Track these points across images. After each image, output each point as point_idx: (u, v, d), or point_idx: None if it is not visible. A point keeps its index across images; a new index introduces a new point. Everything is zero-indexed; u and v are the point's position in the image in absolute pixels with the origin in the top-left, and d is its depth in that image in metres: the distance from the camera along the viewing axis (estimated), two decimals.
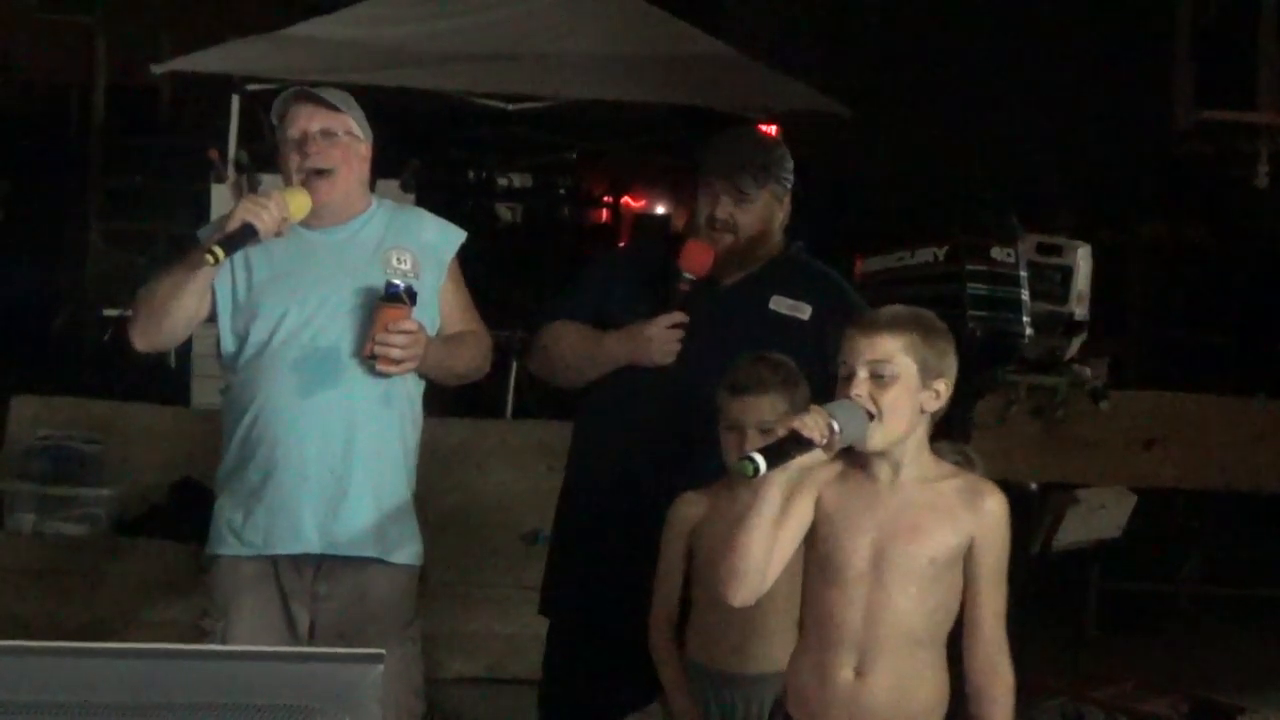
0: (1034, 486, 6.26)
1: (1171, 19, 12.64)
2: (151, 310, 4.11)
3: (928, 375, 3.40)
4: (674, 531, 4.16)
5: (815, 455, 3.31)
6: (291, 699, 2.24)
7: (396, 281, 4.05)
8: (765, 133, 6.78)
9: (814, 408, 3.33)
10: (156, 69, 10.42)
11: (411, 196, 9.64)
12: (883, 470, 3.44)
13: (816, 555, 3.46)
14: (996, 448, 6.31)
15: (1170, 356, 12.26)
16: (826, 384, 4.09)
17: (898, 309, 3.49)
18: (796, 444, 3.27)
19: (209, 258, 3.93)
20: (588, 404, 4.57)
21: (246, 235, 3.99)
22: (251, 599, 4.16)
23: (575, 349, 4.48)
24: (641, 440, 4.37)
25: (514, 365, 8.97)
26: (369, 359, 4.06)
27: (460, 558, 6.94)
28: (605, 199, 14.93)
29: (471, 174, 13.96)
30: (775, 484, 3.33)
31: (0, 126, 19.40)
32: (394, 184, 9.69)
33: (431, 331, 4.21)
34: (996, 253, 5.71)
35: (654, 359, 4.35)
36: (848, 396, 3.36)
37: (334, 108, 4.17)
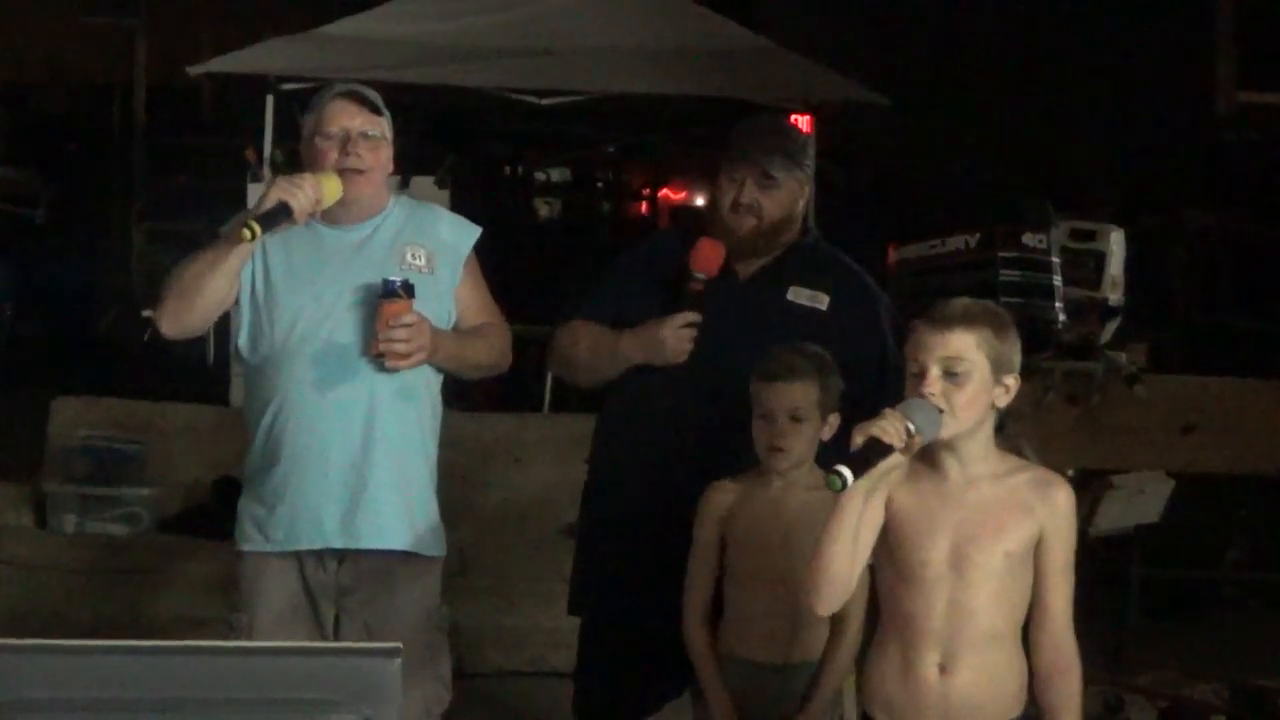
0: (1071, 473, 6.23)
1: (1214, 2, 12.58)
2: (183, 290, 4.13)
3: (1000, 371, 3.38)
4: (706, 521, 4.17)
5: (895, 459, 3.29)
6: (312, 693, 2.26)
7: (393, 277, 4.09)
8: (791, 120, 6.77)
9: (888, 411, 3.29)
10: (193, 71, 10.47)
11: (446, 194, 9.66)
12: (952, 468, 3.43)
13: (894, 557, 3.46)
14: (1032, 435, 6.29)
15: (1214, 342, 12.18)
16: (848, 374, 4.11)
17: (967, 303, 3.44)
18: (877, 451, 3.24)
19: (245, 233, 3.97)
20: (611, 400, 4.58)
21: (281, 214, 4.03)
22: (276, 594, 4.20)
23: (591, 349, 4.50)
24: (666, 434, 4.38)
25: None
26: (377, 357, 4.10)
27: (501, 552, 6.96)
28: (644, 192, 14.94)
29: (509, 169, 13.98)
30: (858, 493, 3.31)
31: (44, 129, 19.56)
32: (428, 180, 9.72)
33: (447, 325, 4.25)
34: (1029, 239, 5.70)
35: (667, 359, 4.36)
36: (919, 394, 3.33)
37: (376, 110, 4.24)
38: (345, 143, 4.18)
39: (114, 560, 6.78)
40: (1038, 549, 3.42)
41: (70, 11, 18.52)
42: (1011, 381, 3.41)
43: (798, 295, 4.42)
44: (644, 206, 14.97)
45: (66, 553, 6.85)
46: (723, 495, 4.15)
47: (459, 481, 7.21)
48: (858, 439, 3.26)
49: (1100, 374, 6.65)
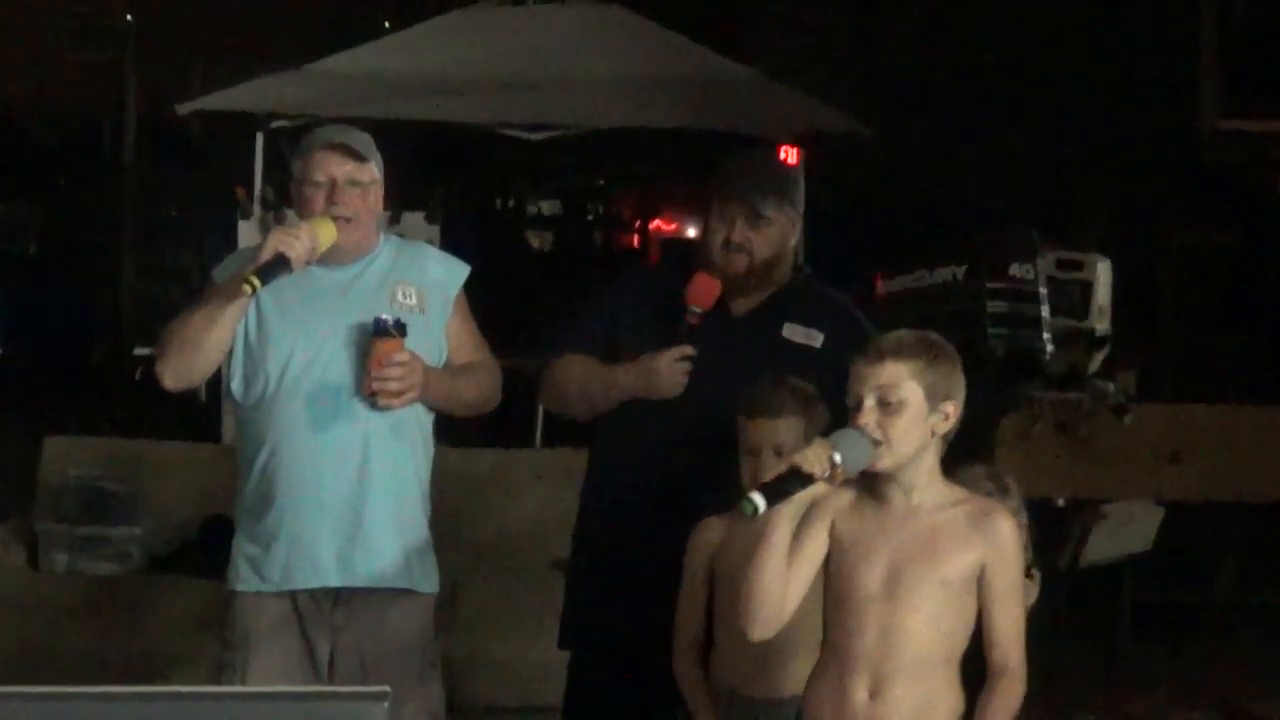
0: (1061, 502, 6.26)
1: (1197, 27, 12.62)
2: (184, 345, 4.19)
3: (935, 398, 3.45)
4: (696, 557, 4.19)
5: (820, 487, 3.34)
6: None
7: (384, 316, 4.14)
8: (780, 157, 6.80)
9: (816, 440, 3.38)
10: (181, 109, 10.51)
11: (436, 228, 9.70)
12: (895, 495, 3.49)
13: (832, 581, 3.51)
14: (1022, 465, 6.28)
15: (1202, 364, 12.22)
16: (841, 411, 4.12)
17: (902, 334, 3.52)
18: (797, 479, 3.30)
19: (246, 288, 4.04)
20: (604, 434, 4.60)
21: (279, 265, 4.08)
22: (271, 633, 4.23)
23: (585, 383, 4.52)
24: (658, 470, 4.40)
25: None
26: (370, 396, 4.14)
27: (491, 585, 6.97)
28: (635, 223, 14.98)
29: (499, 201, 14.03)
30: (782, 519, 3.37)
31: (34, 160, 19.58)
32: (419, 216, 9.76)
33: (439, 363, 4.30)
34: (1015, 269, 5.71)
35: (662, 392, 4.37)
36: (856, 426, 3.39)
37: (361, 157, 4.28)
38: (332, 191, 4.23)
39: (105, 599, 6.79)
40: (981, 578, 3.46)
41: (59, 45, 18.54)
42: (951, 408, 3.47)
43: (792, 333, 4.44)
44: (635, 238, 15.01)
45: (58, 592, 6.86)
46: (711, 534, 4.17)
47: (449, 515, 7.19)
48: (781, 466, 3.31)
49: (1088, 404, 6.67)
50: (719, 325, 4.42)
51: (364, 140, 4.33)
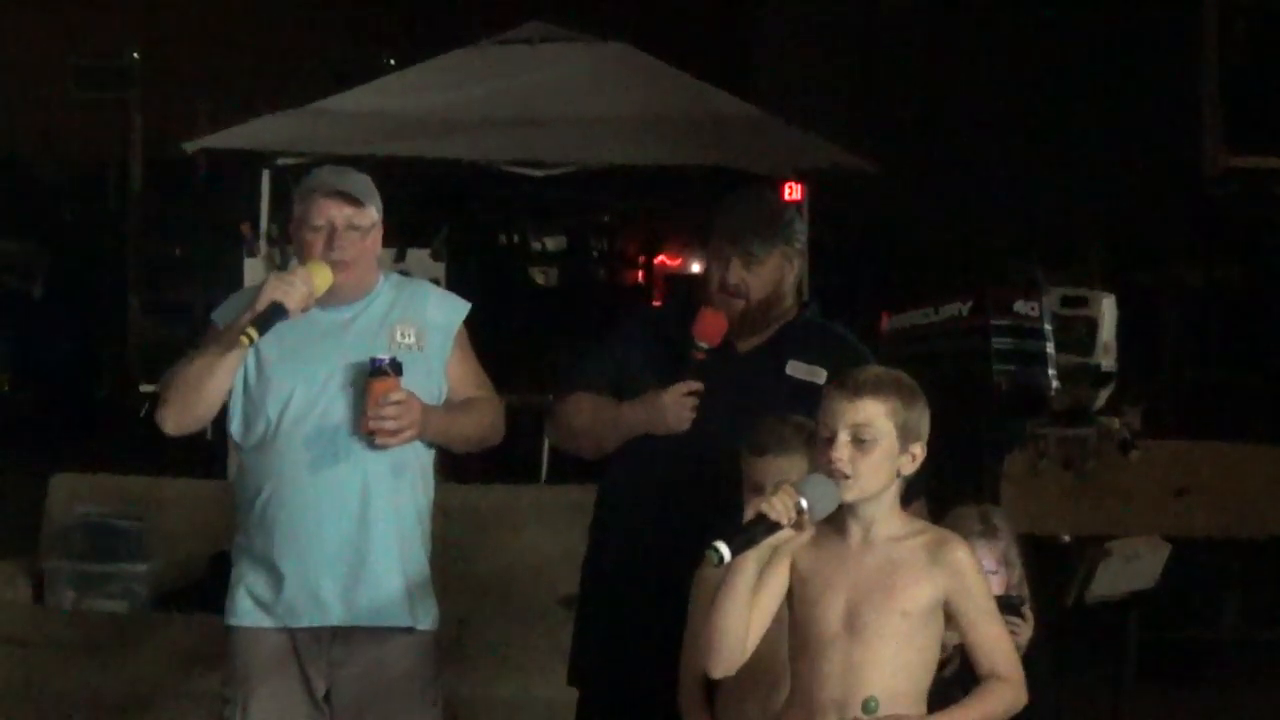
0: (1066, 538, 6.26)
1: (1200, 63, 12.65)
2: (185, 394, 4.23)
3: (907, 439, 3.49)
4: (702, 595, 4.18)
5: (785, 534, 3.38)
6: None
7: (380, 355, 4.17)
8: (774, 195, 6.83)
9: (784, 487, 3.40)
10: (188, 146, 10.55)
11: (442, 266, 9.72)
12: (855, 530, 3.52)
13: (794, 618, 3.54)
14: (1027, 501, 6.31)
15: (1207, 400, 12.21)
16: None
17: (878, 371, 3.56)
18: (764, 527, 3.33)
19: (244, 339, 4.09)
20: (610, 472, 4.61)
21: (277, 314, 4.13)
22: (271, 669, 4.27)
23: (592, 420, 4.54)
24: (664, 507, 4.41)
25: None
26: (368, 435, 4.16)
27: (496, 622, 6.95)
28: (639, 259, 15.01)
29: (504, 238, 14.06)
30: (749, 562, 3.40)
31: (40, 200, 19.62)
32: (424, 253, 9.78)
33: (439, 401, 4.33)
34: (1020, 306, 5.74)
35: (669, 427, 4.39)
36: (828, 459, 3.43)
37: (360, 202, 4.31)
38: (332, 235, 4.26)
39: (112, 636, 6.77)
40: (948, 607, 3.49)
41: (64, 84, 18.59)
42: (918, 450, 3.50)
43: (796, 370, 4.46)
44: (640, 274, 15.04)
45: (64, 629, 6.84)
46: (717, 572, 4.16)
47: (455, 551, 7.20)
48: (748, 513, 3.35)
49: (1094, 440, 6.67)
50: (723, 363, 4.44)
51: (363, 184, 4.37)
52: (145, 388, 11.30)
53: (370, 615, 4.24)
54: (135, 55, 17.33)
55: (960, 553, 3.52)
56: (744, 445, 4.11)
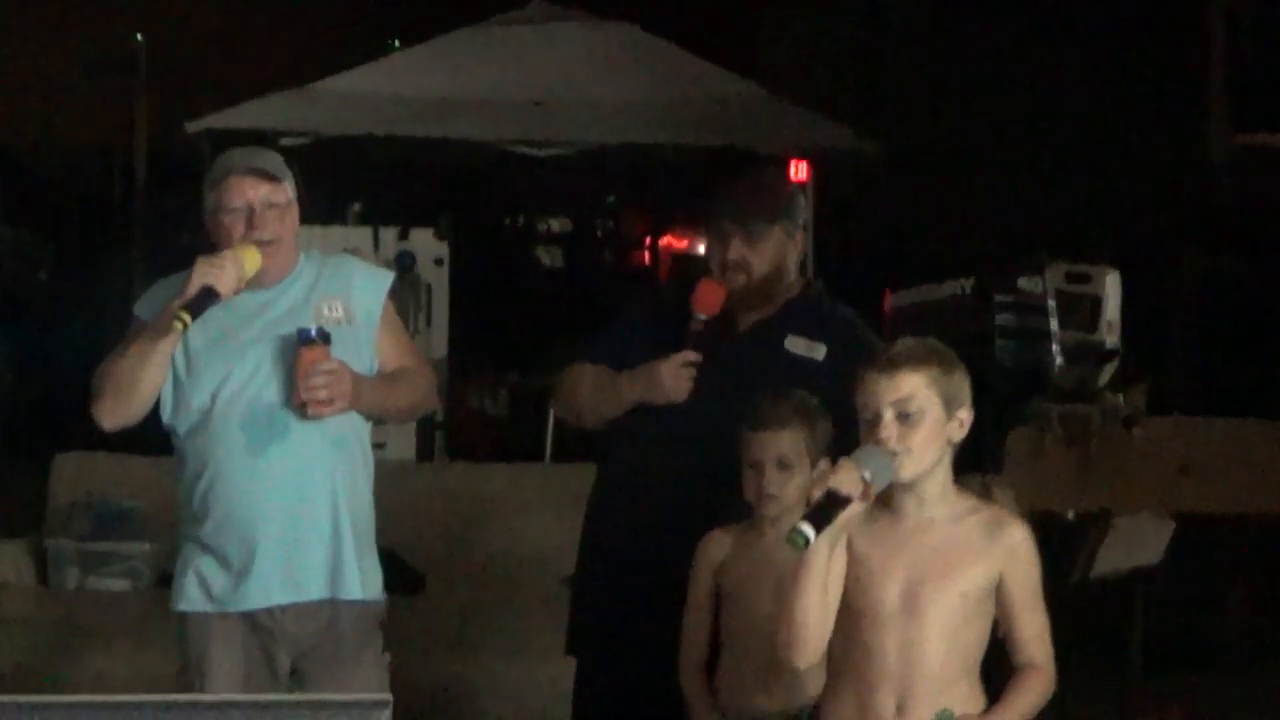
0: (1071, 516, 6.24)
1: (1206, 46, 12.63)
2: (118, 386, 4.23)
3: (952, 406, 3.43)
4: (701, 571, 4.19)
5: (853, 508, 3.31)
6: None
7: (308, 326, 4.16)
8: (777, 172, 6.83)
9: (844, 461, 3.33)
10: (190, 127, 10.54)
11: (445, 244, 9.72)
12: (909, 507, 3.46)
13: (849, 598, 3.47)
14: (1031, 478, 6.30)
15: (1212, 386, 12.19)
16: (842, 423, 4.12)
17: (910, 344, 3.50)
18: (836, 503, 3.26)
19: (177, 324, 4.07)
20: (610, 448, 4.63)
21: (208, 297, 4.11)
22: (225, 651, 4.28)
23: (593, 390, 4.56)
24: (663, 483, 4.42)
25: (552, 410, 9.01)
26: (300, 406, 4.16)
27: (501, 603, 6.95)
28: (645, 240, 15.00)
29: (509, 218, 14.06)
30: (823, 545, 3.33)
31: (44, 190, 19.61)
32: (428, 232, 9.77)
33: (371, 374, 4.32)
34: (1024, 283, 5.72)
35: (667, 397, 4.40)
36: (875, 441, 3.36)
37: (275, 178, 4.28)
38: (250, 216, 4.23)
39: (115, 616, 6.78)
40: (999, 589, 3.46)
41: (67, 73, 18.57)
42: (965, 415, 3.45)
43: (795, 345, 4.47)
44: (645, 255, 15.03)
45: (68, 609, 6.85)
46: (717, 546, 4.18)
47: (459, 531, 7.22)
48: (815, 493, 3.29)
49: (1098, 417, 6.66)
50: (723, 338, 4.45)
51: (276, 161, 4.35)
52: None
53: (314, 589, 4.25)
54: (139, 38, 17.31)
55: (1019, 534, 3.48)
56: (742, 420, 4.11)
